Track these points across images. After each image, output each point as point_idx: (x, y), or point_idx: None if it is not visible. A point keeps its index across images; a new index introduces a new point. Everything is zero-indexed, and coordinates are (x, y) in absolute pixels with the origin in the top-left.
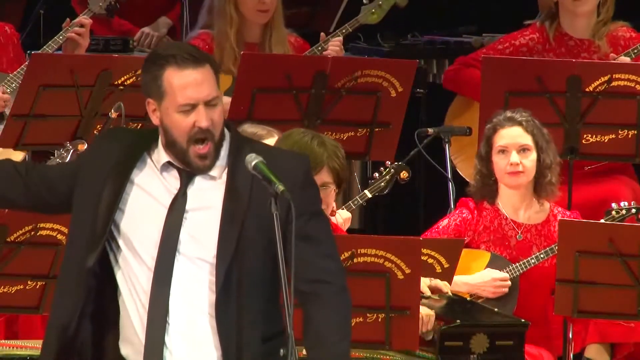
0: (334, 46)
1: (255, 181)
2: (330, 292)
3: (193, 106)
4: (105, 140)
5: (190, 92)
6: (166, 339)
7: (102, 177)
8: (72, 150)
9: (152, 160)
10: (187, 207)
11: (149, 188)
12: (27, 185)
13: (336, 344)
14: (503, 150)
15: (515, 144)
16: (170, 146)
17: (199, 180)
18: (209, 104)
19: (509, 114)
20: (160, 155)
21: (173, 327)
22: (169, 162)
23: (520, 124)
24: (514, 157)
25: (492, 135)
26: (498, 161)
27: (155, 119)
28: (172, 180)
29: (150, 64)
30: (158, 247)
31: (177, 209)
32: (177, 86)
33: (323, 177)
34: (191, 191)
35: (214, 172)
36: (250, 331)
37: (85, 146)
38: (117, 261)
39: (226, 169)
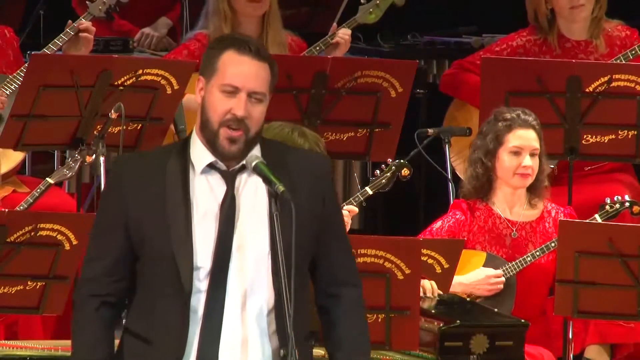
0: (344, 34)
1: (296, 180)
2: (355, 295)
3: (235, 90)
4: (125, 173)
5: (238, 76)
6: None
7: (158, 202)
8: (79, 161)
9: (192, 164)
10: (237, 209)
11: (195, 193)
12: (123, 280)
13: (362, 349)
14: (516, 152)
15: (530, 146)
16: (204, 127)
17: (241, 179)
18: (252, 96)
19: (522, 115)
20: (199, 153)
21: (226, 335)
22: (210, 165)
23: (534, 127)
24: (528, 160)
25: (505, 133)
26: (508, 160)
27: (199, 98)
28: (216, 182)
29: (214, 43)
30: (213, 253)
31: (226, 213)
32: (229, 66)
33: None
34: (237, 192)
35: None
36: (299, 331)
37: (93, 157)
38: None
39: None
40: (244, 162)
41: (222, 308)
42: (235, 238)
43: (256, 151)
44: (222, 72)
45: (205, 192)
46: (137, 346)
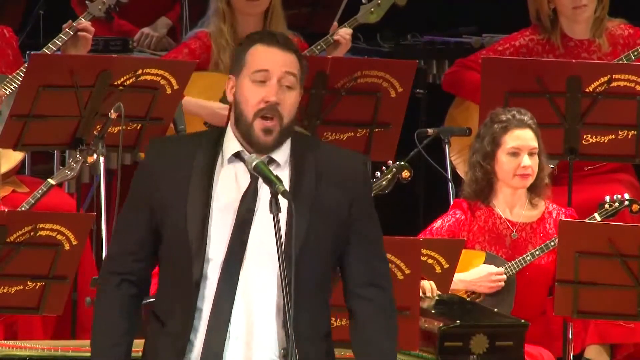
0: (345, 34)
1: (322, 177)
2: (384, 298)
3: (266, 76)
4: (157, 155)
5: (267, 60)
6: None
7: (183, 188)
8: (81, 162)
9: (222, 153)
10: (258, 203)
11: (219, 183)
12: (146, 260)
13: (387, 353)
14: (514, 152)
15: (527, 146)
16: (238, 121)
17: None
18: (282, 82)
19: (517, 115)
20: (230, 143)
21: (234, 328)
22: (236, 154)
23: (530, 127)
24: (527, 160)
25: (502, 135)
26: (507, 162)
27: (230, 96)
28: (242, 173)
29: (242, 42)
30: (228, 244)
31: (246, 205)
32: (258, 56)
33: None
34: (261, 187)
35: (280, 160)
36: (311, 329)
37: (95, 157)
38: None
39: (289, 164)
40: (271, 155)
41: (232, 300)
42: (253, 231)
43: (286, 144)
44: (251, 62)
45: (230, 183)
46: (155, 327)
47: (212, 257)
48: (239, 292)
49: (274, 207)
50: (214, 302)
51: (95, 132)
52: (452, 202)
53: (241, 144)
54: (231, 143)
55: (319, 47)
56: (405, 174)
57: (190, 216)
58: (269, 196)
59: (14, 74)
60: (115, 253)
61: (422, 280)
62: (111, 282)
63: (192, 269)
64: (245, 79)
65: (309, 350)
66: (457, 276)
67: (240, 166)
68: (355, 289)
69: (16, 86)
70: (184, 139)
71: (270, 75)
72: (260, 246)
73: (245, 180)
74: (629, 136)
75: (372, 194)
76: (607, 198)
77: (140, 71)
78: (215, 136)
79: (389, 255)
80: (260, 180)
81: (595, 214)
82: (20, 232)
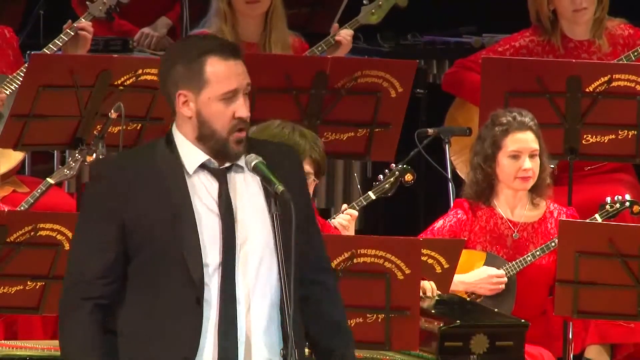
0: (346, 35)
1: (279, 173)
2: (333, 280)
3: (234, 94)
4: (116, 171)
5: (233, 80)
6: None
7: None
8: (80, 161)
9: (183, 164)
10: (234, 205)
11: (192, 192)
12: (115, 281)
13: (349, 333)
14: (515, 155)
15: (528, 149)
16: (206, 139)
17: (230, 176)
18: (244, 92)
19: (518, 117)
20: (190, 153)
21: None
22: (201, 165)
23: (531, 128)
24: (528, 163)
25: (502, 138)
26: (507, 165)
27: (187, 111)
28: (208, 180)
29: (187, 54)
30: (221, 247)
31: (225, 209)
32: (222, 75)
33: (306, 167)
34: (232, 189)
35: (241, 163)
36: (300, 325)
37: (94, 156)
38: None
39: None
40: (236, 162)
41: (235, 302)
42: (241, 232)
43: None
44: (216, 83)
45: (203, 191)
46: (138, 349)
47: (209, 263)
48: (239, 294)
49: (274, 207)
50: (220, 306)
51: (95, 132)
52: (452, 202)
53: (204, 153)
54: (192, 154)
55: (319, 48)
56: (408, 177)
57: (180, 228)
58: (244, 198)
59: (14, 74)
60: (85, 278)
61: (422, 280)
62: (84, 309)
63: (192, 278)
64: (212, 99)
65: (303, 343)
66: (458, 277)
67: (204, 174)
68: (311, 274)
69: (16, 86)
70: (133, 154)
71: (238, 91)
72: (248, 245)
73: (213, 186)
74: (629, 136)
75: (375, 197)
76: (608, 199)
77: (140, 71)
78: (165, 147)
79: (389, 255)
80: (231, 183)
81: (596, 215)
82: (20, 232)
